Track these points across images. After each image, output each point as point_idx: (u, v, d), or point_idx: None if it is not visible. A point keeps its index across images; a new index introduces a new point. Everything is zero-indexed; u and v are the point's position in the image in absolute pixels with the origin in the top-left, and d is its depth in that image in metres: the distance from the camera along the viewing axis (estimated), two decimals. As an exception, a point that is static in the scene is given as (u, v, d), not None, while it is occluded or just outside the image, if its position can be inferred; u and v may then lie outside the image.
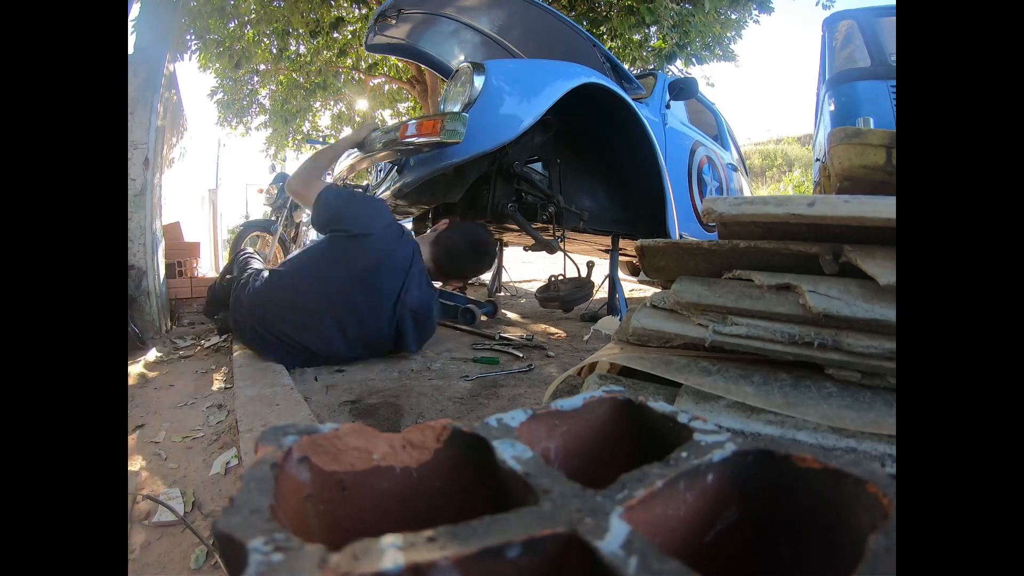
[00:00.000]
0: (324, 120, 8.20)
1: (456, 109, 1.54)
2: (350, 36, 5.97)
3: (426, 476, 0.32)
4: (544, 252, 2.18)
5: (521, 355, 1.74)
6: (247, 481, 0.26)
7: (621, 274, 2.77)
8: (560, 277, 2.10)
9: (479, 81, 1.54)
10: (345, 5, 5.62)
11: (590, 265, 2.21)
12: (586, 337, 1.85)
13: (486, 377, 1.48)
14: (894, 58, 2.41)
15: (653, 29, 4.85)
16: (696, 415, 0.35)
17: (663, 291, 0.67)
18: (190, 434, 1.23)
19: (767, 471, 0.30)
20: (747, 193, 3.88)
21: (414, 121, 1.54)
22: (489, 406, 1.28)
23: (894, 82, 2.35)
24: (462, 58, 2.75)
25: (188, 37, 5.21)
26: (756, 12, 5.28)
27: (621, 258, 2.60)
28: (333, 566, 0.20)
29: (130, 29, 2.43)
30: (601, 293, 2.59)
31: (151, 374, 1.79)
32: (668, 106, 2.55)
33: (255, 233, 3.35)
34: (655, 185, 1.98)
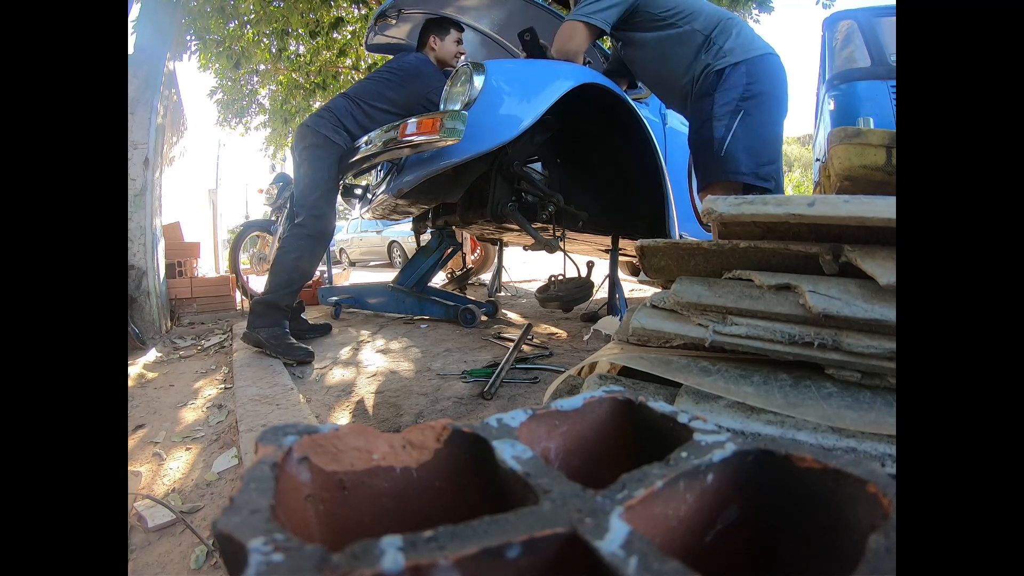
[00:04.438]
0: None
1: (456, 108, 1.54)
2: (350, 36, 5.97)
3: (426, 476, 0.32)
4: (544, 252, 2.18)
5: (548, 350, 1.76)
6: (247, 481, 0.26)
7: (621, 274, 2.77)
8: (560, 277, 2.10)
9: (479, 81, 1.54)
10: (345, 5, 5.61)
11: (590, 265, 2.21)
12: (586, 337, 1.85)
13: (485, 380, 1.48)
14: (894, 58, 2.41)
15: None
16: (696, 415, 0.35)
17: (663, 291, 0.67)
18: (190, 434, 1.23)
19: (767, 471, 0.30)
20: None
21: (414, 120, 1.54)
22: (489, 406, 1.28)
23: (894, 82, 2.36)
24: (462, 58, 2.75)
25: (188, 37, 5.21)
26: (756, 12, 5.28)
27: (621, 258, 2.60)
28: (333, 566, 0.20)
29: (130, 29, 2.43)
30: (601, 293, 2.59)
31: (151, 374, 1.79)
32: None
33: (255, 233, 3.35)
34: (655, 185, 1.98)
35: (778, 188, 1.53)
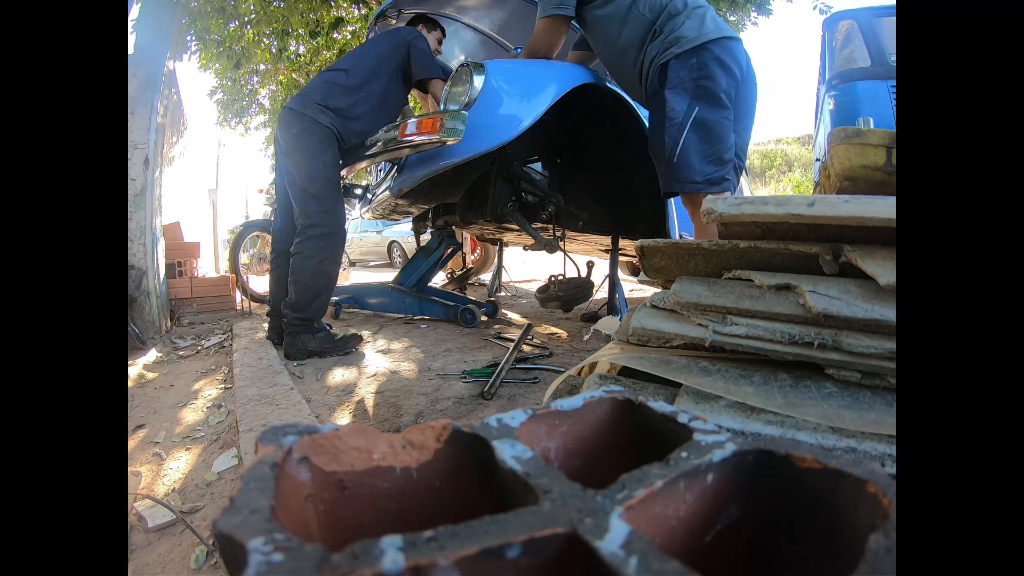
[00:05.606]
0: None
1: (456, 108, 1.54)
2: (350, 36, 5.97)
3: (426, 476, 0.32)
4: (544, 252, 2.18)
5: (548, 350, 1.76)
6: (247, 481, 0.26)
7: (621, 274, 2.77)
8: (560, 277, 2.10)
9: (479, 81, 1.54)
10: (345, 5, 5.61)
11: (590, 265, 2.21)
12: (586, 337, 1.85)
13: (485, 380, 1.48)
14: (894, 58, 2.41)
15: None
16: (696, 415, 0.35)
17: (663, 291, 0.67)
18: (190, 434, 1.23)
19: (767, 471, 0.30)
20: (747, 193, 3.88)
21: (414, 120, 1.55)
22: (489, 406, 1.28)
23: (894, 82, 2.36)
24: (462, 58, 2.75)
25: (188, 37, 5.21)
26: (755, 14, 5.29)
27: (621, 258, 2.60)
28: (333, 566, 0.20)
29: (130, 29, 2.43)
30: (601, 293, 2.59)
31: (151, 374, 1.79)
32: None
33: (255, 233, 3.35)
34: (655, 185, 1.98)
35: (732, 182, 1.46)
